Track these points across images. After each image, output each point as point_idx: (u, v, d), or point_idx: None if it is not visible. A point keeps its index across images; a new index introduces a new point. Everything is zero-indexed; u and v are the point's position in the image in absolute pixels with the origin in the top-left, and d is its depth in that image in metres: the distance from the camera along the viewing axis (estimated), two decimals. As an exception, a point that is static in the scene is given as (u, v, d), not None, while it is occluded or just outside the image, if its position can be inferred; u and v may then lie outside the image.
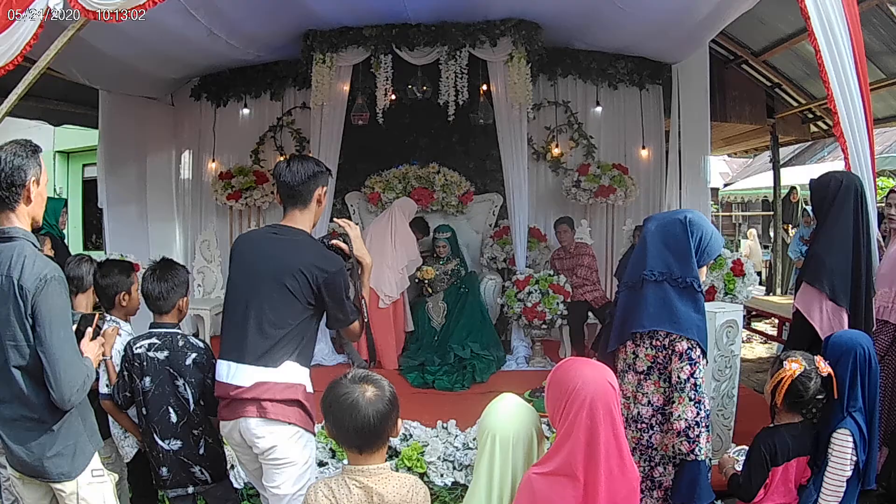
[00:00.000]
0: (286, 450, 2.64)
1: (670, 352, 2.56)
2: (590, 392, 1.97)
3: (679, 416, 2.52)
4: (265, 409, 2.61)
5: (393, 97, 6.76)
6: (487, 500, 2.19)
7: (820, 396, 2.86)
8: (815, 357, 2.90)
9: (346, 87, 6.74)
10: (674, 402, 2.54)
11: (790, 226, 11.73)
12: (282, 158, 2.78)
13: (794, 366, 2.84)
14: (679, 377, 2.53)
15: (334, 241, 2.83)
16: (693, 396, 2.52)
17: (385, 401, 2.10)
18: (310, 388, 2.76)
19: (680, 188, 7.12)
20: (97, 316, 2.95)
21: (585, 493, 1.97)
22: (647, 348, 2.64)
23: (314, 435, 2.81)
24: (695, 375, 2.53)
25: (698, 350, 2.56)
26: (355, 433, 2.08)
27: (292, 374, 2.68)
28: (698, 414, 2.51)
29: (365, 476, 2.10)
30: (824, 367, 2.87)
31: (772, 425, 3.01)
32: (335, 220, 3.02)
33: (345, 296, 2.75)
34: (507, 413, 2.26)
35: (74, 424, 2.47)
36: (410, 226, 6.99)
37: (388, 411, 2.10)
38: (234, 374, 2.65)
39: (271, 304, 2.67)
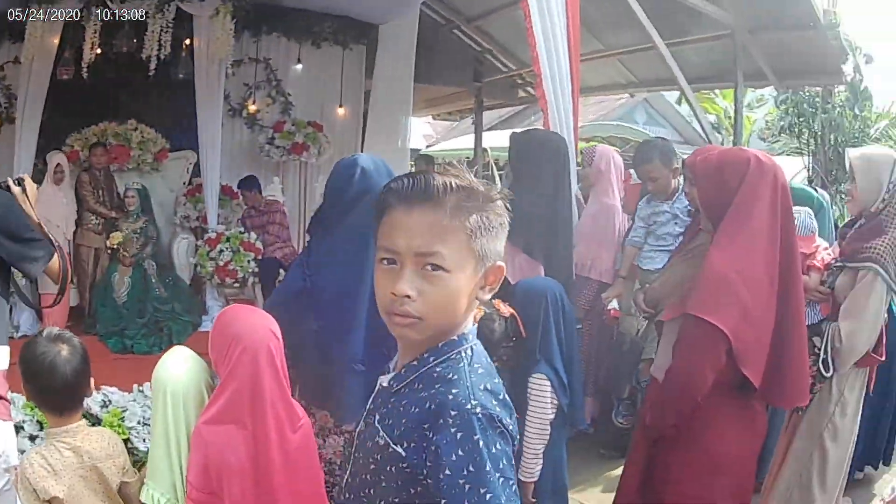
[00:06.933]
0: None
1: None
2: (253, 338, 2.02)
3: None
4: None
5: (99, 51, 6.26)
6: (167, 457, 2.18)
7: (511, 340, 2.82)
8: (494, 301, 2.77)
9: (56, 41, 6.12)
10: None
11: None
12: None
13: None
14: None
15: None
16: None
17: (79, 357, 2.18)
18: (5, 365, 2.40)
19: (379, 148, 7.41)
20: None
21: (256, 441, 1.99)
22: None
23: (11, 419, 2.47)
24: None
25: None
26: (55, 393, 2.14)
27: None
28: None
29: (70, 436, 2.19)
30: (504, 308, 2.81)
31: None
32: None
33: (24, 228, 2.36)
34: (178, 366, 2.22)
35: None
36: None
37: (84, 368, 2.19)
38: None
39: None
